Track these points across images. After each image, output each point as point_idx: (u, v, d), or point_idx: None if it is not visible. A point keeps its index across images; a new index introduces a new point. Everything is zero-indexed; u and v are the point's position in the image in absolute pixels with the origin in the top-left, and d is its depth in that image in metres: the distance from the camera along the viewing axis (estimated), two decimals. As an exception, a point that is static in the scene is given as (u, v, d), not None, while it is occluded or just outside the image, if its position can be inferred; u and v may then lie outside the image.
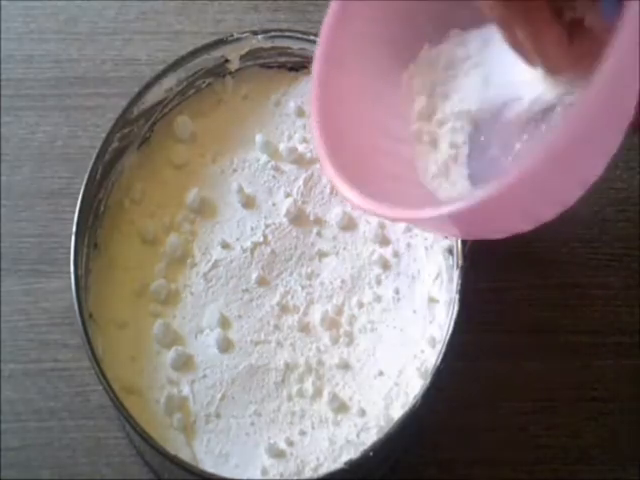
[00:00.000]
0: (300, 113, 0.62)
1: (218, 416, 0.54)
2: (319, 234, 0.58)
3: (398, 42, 0.50)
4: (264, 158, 0.60)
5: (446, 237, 0.56)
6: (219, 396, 0.54)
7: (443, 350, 0.52)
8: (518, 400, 0.59)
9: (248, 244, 0.58)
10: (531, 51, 0.44)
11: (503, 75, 0.48)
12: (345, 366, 0.55)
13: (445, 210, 0.41)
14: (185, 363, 0.55)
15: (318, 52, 0.48)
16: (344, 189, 0.45)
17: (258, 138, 0.60)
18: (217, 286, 0.57)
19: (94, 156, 0.57)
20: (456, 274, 0.53)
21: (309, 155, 0.60)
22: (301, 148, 0.60)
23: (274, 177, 0.60)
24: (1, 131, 0.66)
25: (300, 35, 0.60)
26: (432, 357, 0.53)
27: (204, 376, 0.55)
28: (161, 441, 0.51)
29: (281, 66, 0.63)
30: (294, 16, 0.69)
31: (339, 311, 0.56)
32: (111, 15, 0.70)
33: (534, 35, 0.43)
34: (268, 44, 0.61)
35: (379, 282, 0.57)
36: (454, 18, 0.50)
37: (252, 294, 0.57)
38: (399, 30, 0.50)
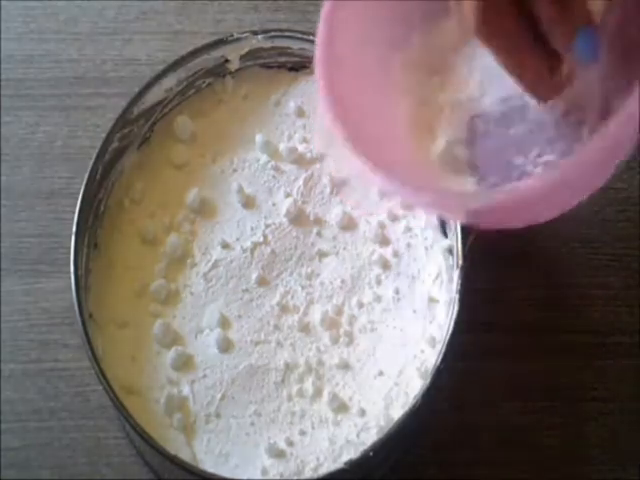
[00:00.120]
0: (300, 113, 0.62)
1: (218, 416, 0.54)
2: (319, 234, 0.58)
3: (395, 30, 0.50)
4: (264, 158, 0.60)
5: (443, 227, 0.56)
6: (219, 396, 0.54)
7: (443, 350, 0.52)
8: (518, 400, 0.59)
9: (248, 244, 0.58)
10: (515, 78, 0.44)
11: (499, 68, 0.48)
12: (345, 366, 0.55)
13: (496, 198, 0.41)
14: (185, 363, 0.55)
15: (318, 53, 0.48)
16: (384, 179, 0.44)
17: (258, 138, 0.60)
18: (217, 286, 0.57)
19: (94, 156, 0.57)
20: (456, 274, 0.53)
21: (309, 155, 0.60)
22: (301, 148, 0.60)
23: (274, 177, 0.60)
24: (1, 131, 0.66)
25: (300, 35, 0.60)
26: (432, 357, 0.53)
27: (204, 376, 0.55)
28: (161, 441, 0.51)
29: (281, 66, 0.63)
30: (294, 16, 0.69)
31: (339, 311, 0.56)
32: (111, 15, 0.70)
33: (516, 64, 0.43)
34: (268, 44, 0.61)
35: (379, 282, 0.57)
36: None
37: (252, 294, 0.57)
38: (393, 21, 0.49)
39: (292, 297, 0.57)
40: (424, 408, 0.51)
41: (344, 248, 0.58)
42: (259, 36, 0.61)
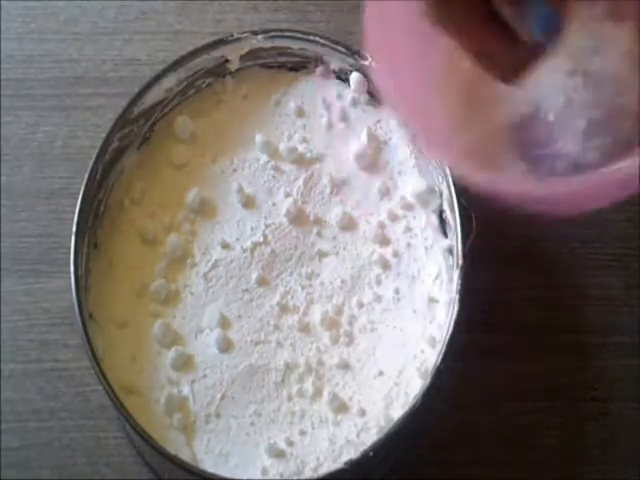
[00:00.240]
0: (300, 113, 0.62)
1: (218, 416, 0.54)
2: (319, 234, 0.58)
3: None
4: (264, 158, 0.60)
5: (443, 227, 0.56)
6: (219, 396, 0.54)
7: (443, 350, 0.52)
8: (518, 400, 0.59)
9: (248, 244, 0.58)
10: (472, 59, 0.41)
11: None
12: (345, 366, 0.55)
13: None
14: (185, 363, 0.55)
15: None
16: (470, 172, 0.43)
17: (258, 138, 0.60)
18: (217, 286, 0.57)
19: (94, 156, 0.57)
20: (456, 274, 0.53)
21: (309, 155, 0.60)
22: (301, 148, 0.60)
23: (274, 177, 0.60)
24: (1, 131, 0.66)
25: (300, 35, 0.60)
26: (432, 357, 0.53)
27: (204, 376, 0.55)
28: (161, 441, 0.51)
29: (281, 66, 0.63)
30: (294, 16, 0.69)
31: (339, 311, 0.56)
32: (111, 15, 0.70)
33: (470, 43, 0.40)
34: (268, 44, 0.61)
35: (379, 282, 0.57)
36: None
37: (252, 294, 0.57)
38: None
39: (292, 297, 0.57)
40: (424, 408, 0.51)
41: (344, 248, 0.58)
42: (259, 36, 0.61)
